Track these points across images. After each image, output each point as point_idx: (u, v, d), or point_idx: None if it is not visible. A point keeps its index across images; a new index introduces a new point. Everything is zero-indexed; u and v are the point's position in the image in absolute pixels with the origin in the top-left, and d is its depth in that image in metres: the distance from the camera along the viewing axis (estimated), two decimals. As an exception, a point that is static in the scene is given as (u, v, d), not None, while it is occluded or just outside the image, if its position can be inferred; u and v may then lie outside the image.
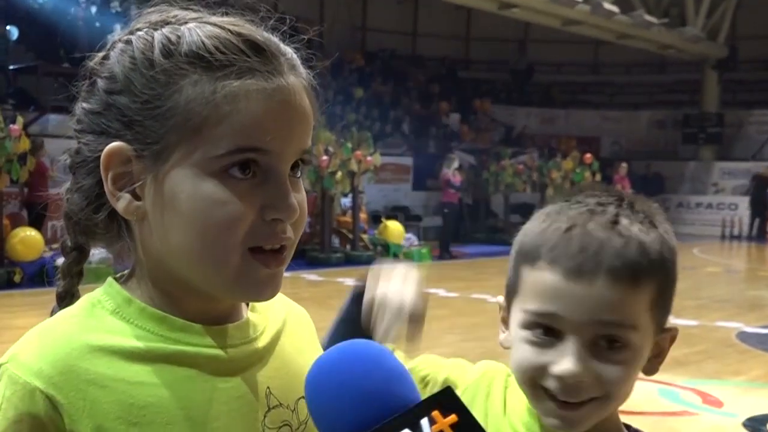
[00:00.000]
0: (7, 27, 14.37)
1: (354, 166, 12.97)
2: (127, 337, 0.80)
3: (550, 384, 0.91)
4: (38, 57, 14.56)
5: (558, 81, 26.60)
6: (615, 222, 0.91)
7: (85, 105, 0.83)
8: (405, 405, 0.72)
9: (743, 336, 7.74)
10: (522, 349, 0.93)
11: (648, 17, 20.03)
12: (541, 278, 0.91)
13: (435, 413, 0.71)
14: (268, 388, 0.85)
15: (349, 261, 13.07)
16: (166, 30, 0.80)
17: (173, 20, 0.82)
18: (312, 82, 0.85)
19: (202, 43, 0.78)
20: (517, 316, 0.95)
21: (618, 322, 0.90)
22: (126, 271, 0.87)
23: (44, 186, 9.41)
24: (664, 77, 26.18)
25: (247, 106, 0.77)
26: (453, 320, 7.71)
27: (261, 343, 0.87)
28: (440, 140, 20.75)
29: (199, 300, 0.83)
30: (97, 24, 15.38)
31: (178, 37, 0.79)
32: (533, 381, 0.93)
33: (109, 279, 0.86)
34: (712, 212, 22.19)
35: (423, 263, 13.84)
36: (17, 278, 9.69)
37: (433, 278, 11.96)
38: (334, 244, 13.62)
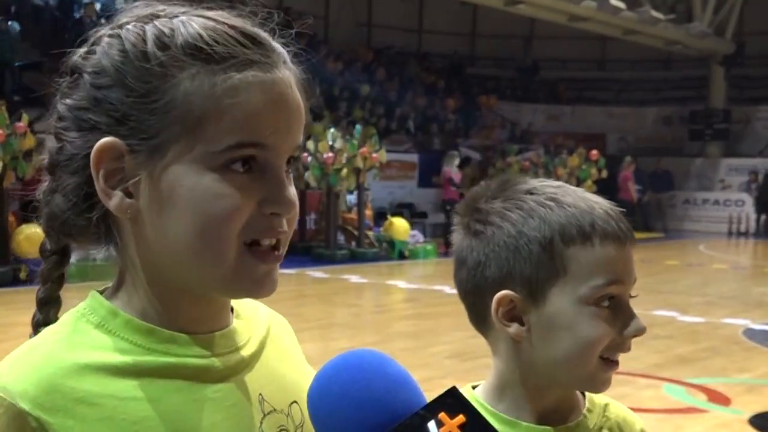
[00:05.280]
0: (9, 23, 14.38)
1: (359, 163, 12.97)
2: (114, 352, 0.78)
3: (617, 349, 0.99)
4: (43, 54, 14.59)
5: (564, 77, 26.54)
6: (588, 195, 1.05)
7: (68, 101, 0.81)
8: (411, 410, 0.71)
9: (750, 333, 7.72)
10: (594, 325, 0.98)
11: (654, 13, 19.98)
12: (604, 253, 0.99)
13: (442, 415, 0.70)
14: (260, 394, 0.84)
15: (355, 258, 13.07)
16: (157, 23, 0.78)
17: (162, 14, 0.80)
18: (302, 77, 0.83)
19: (199, 35, 0.77)
20: (572, 295, 0.98)
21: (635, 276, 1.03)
22: (110, 283, 0.85)
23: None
24: (670, 73, 26.11)
25: (247, 100, 0.76)
26: (458, 317, 7.63)
27: (247, 351, 0.86)
28: (446, 137, 20.74)
29: (191, 304, 0.82)
30: (103, 21, 15.40)
31: (172, 29, 0.77)
32: (599, 354, 0.99)
33: (93, 292, 0.84)
34: (718, 209, 22.13)
35: (428, 260, 13.84)
36: (23, 275, 9.70)
37: (439, 275, 11.95)
38: (340, 240, 13.62)
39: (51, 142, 0.82)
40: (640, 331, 1.00)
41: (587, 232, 0.98)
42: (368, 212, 14.15)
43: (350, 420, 0.71)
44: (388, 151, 14.48)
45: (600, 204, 1.02)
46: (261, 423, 0.83)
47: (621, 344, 1.00)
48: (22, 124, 9.70)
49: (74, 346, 0.78)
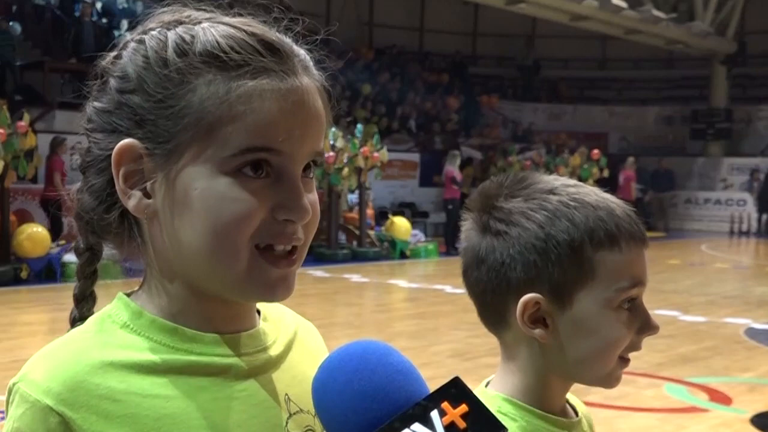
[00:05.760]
0: (11, 23, 14.40)
1: (361, 162, 12.97)
2: (139, 351, 0.79)
3: (637, 347, 1.02)
4: (45, 53, 14.60)
5: (565, 76, 26.54)
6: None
7: (96, 104, 0.83)
8: (413, 399, 0.71)
9: (751, 332, 7.72)
10: (617, 328, 1.00)
11: (656, 12, 19.97)
12: (628, 256, 1.00)
13: (444, 404, 0.70)
14: (286, 394, 0.85)
15: (356, 257, 13.09)
16: (179, 29, 0.80)
17: (186, 20, 0.82)
18: (325, 84, 0.84)
19: (217, 42, 0.78)
20: (599, 299, 0.99)
21: None
22: (136, 288, 0.87)
23: (60, 183, 9.49)
24: (672, 73, 26.10)
25: (260, 106, 0.77)
26: (459, 316, 7.70)
27: (274, 351, 0.87)
28: (447, 136, 20.74)
29: (212, 305, 0.83)
30: (104, 20, 15.43)
31: (192, 36, 0.79)
32: (619, 354, 1.02)
33: (119, 293, 0.86)
34: (720, 208, 22.12)
35: (429, 259, 13.84)
36: (24, 274, 9.73)
37: (440, 274, 11.95)
38: (341, 240, 13.63)
39: (83, 143, 0.86)
40: (655, 330, 1.03)
41: (615, 236, 0.99)
42: (369, 211, 14.15)
43: (354, 410, 0.71)
44: (389, 150, 14.49)
45: (618, 204, 1.03)
46: (287, 422, 0.84)
47: (636, 343, 1.03)
48: (23, 124, 9.71)
49: (100, 345, 0.79)
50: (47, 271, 9.93)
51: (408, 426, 0.69)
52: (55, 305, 8.63)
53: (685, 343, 7.14)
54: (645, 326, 1.02)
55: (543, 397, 1.03)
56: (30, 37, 15.06)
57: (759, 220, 20.96)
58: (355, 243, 13.58)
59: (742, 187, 22.20)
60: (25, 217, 10.49)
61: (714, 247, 17.47)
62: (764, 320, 8.31)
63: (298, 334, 0.93)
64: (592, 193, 1.03)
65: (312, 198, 0.81)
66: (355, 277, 11.11)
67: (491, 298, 1.03)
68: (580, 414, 1.10)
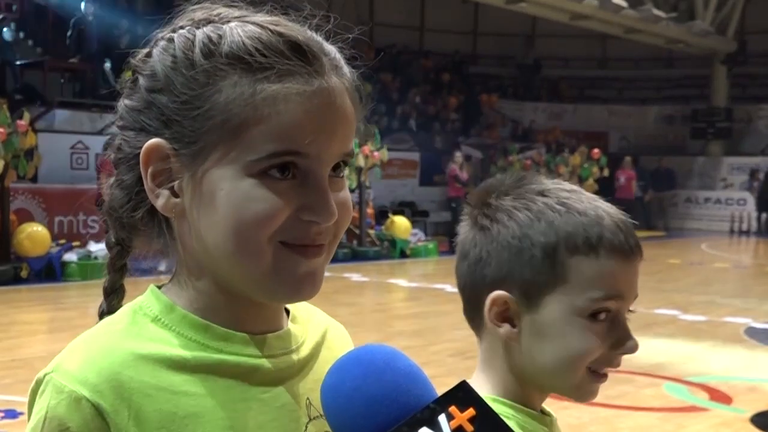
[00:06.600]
0: (11, 23, 14.40)
1: (361, 162, 12.97)
2: (170, 346, 0.80)
3: (608, 364, 0.99)
4: (45, 52, 14.59)
5: (566, 76, 26.53)
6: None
7: (127, 101, 0.84)
8: (421, 403, 0.71)
9: (751, 332, 7.71)
10: (585, 338, 0.97)
11: (656, 11, 19.96)
12: (606, 266, 0.97)
13: (452, 408, 0.70)
14: (308, 399, 0.85)
15: (356, 256, 13.08)
16: (207, 29, 0.80)
17: (216, 18, 0.81)
18: (356, 82, 0.84)
19: (243, 44, 0.78)
20: (568, 305, 0.97)
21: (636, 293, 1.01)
22: (167, 280, 0.87)
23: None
24: (672, 72, 26.09)
25: (286, 109, 0.76)
26: (460, 315, 7.61)
27: (301, 354, 0.87)
28: (447, 135, 20.73)
29: (240, 305, 0.83)
30: (106, 19, 15.41)
31: (220, 36, 0.79)
32: (587, 367, 0.98)
33: (151, 286, 0.86)
34: (720, 207, 22.12)
35: (430, 259, 13.84)
36: (24, 274, 9.72)
37: (440, 274, 11.95)
38: (341, 239, 13.61)
39: (118, 139, 0.86)
40: (631, 350, 0.98)
41: (593, 243, 0.97)
42: (370, 211, 14.15)
43: (362, 415, 0.72)
44: (389, 149, 14.49)
45: (611, 215, 1.00)
46: (306, 427, 0.84)
47: (611, 359, 0.99)
48: (23, 123, 9.71)
49: (132, 337, 0.80)
50: (47, 271, 9.93)
51: (416, 430, 0.69)
52: (55, 305, 8.64)
53: (685, 343, 7.14)
54: (620, 343, 0.98)
55: (524, 396, 1.02)
56: (30, 36, 15.05)
57: (759, 220, 20.96)
58: (355, 242, 13.58)
59: (743, 187, 22.19)
60: (25, 217, 10.49)
61: (714, 246, 17.46)
62: (764, 319, 8.30)
63: (327, 336, 0.93)
64: (586, 200, 1.01)
65: (342, 196, 0.82)
66: (355, 277, 11.11)
67: (469, 293, 1.04)
68: (551, 413, 1.08)
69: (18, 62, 13.95)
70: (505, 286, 0.99)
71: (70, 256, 10.09)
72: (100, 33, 14.29)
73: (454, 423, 0.69)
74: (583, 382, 0.99)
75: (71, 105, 13.62)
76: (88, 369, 0.76)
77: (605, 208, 1.00)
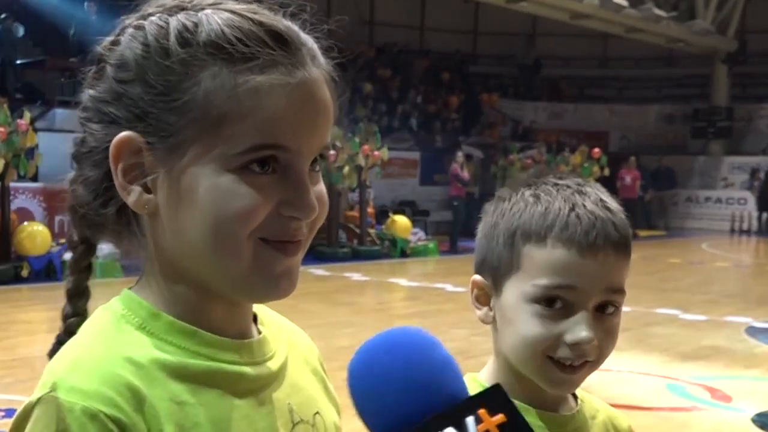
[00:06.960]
0: (14, 23, 14.40)
1: (361, 161, 12.97)
2: (165, 353, 0.76)
3: (563, 353, 0.98)
4: (45, 52, 14.59)
5: (566, 75, 26.51)
6: (601, 201, 1.02)
7: (91, 92, 0.79)
8: (451, 398, 0.69)
9: (752, 331, 7.71)
10: (531, 323, 0.99)
11: (657, 11, 19.95)
12: (556, 255, 0.99)
13: (481, 411, 0.67)
14: (289, 404, 0.83)
15: (357, 256, 13.08)
16: (181, 16, 0.76)
17: (188, 5, 0.77)
18: (332, 73, 0.81)
19: (222, 32, 0.74)
20: (519, 291, 1.01)
21: (619, 288, 1.01)
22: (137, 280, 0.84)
23: None
24: (673, 71, 26.08)
25: (269, 102, 0.74)
26: (460, 314, 7.69)
27: (279, 359, 0.85)
28: (448, 135, 20.73)
29: (216, 305, 0.80)
30: (106, 18, 15.40)
31: (195, 24, 0.75)
32: (543, 353, 0.99)
33: (125, 290, 0.82)
34: (721, 207, 22.11)
35: (430, 258, 13.84)
36: (24, 273, 9.72)
37: (441, 273, 11.95)
38: (341, 238, 13.63)
39: (77, 132, 0.81)
40: (580, 341, 0.97)
41: (543, 233, 1.00)
42: (370, 210, 14.15)
43: (389, 405, 0.69)
44: (390, 148, 14.49)
45: (586, 209, 1.00)
46: None
47: (564, 349, 0.98)
48: (23, 122, 9.71)
49: (126, 346, 0.76)
50: (48, 270, 9.92)
51: (442, 429, 0.66)
52: (56, 304, 8.57)
53: (686, 342, 7.13)
54: (570, 333, 0.97)
55: (514, 384, 1.03)
56: (31, 35, 15.05)
57: (759, 219, 20.95)
58: (355, 241, 13.58)
59: (743, 186, 22.18)
60: (25, 216, 10.49)
61: (714, 245, 17.46)
62: (765, 319, 8.30)
63: (291, 338, 0.91)
64: (572, 193, 1.02)
65: (318, 190, 0.79)
66: (356, 276, 11.11)
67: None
68: (581, 410, 1.07)
69: (18, 61, 13.96)
70: (483, 270, 1.06)
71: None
72: (102, 32, 14.27)
73: (482, 427, 0.66)
74: (543, 369, 1.00)
75: (72, 104, 13.60)
76: (98, 382, 0.71)
77: (586, 202, 1.01)
